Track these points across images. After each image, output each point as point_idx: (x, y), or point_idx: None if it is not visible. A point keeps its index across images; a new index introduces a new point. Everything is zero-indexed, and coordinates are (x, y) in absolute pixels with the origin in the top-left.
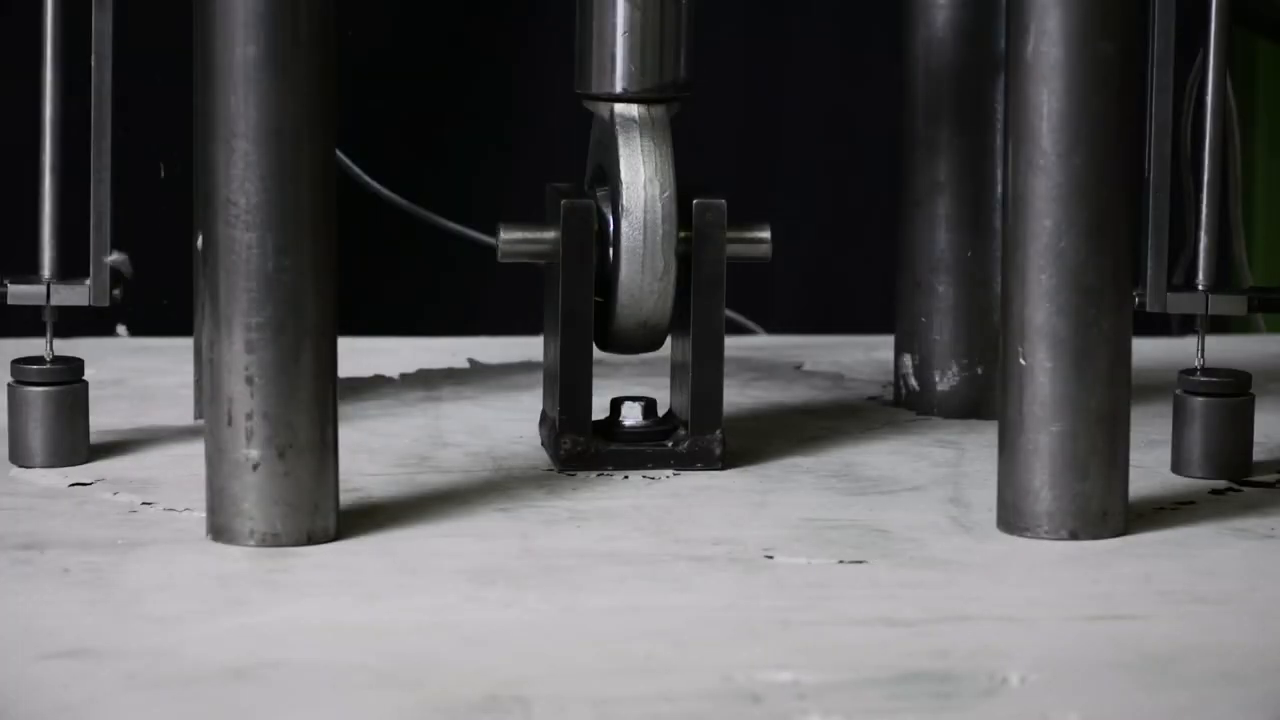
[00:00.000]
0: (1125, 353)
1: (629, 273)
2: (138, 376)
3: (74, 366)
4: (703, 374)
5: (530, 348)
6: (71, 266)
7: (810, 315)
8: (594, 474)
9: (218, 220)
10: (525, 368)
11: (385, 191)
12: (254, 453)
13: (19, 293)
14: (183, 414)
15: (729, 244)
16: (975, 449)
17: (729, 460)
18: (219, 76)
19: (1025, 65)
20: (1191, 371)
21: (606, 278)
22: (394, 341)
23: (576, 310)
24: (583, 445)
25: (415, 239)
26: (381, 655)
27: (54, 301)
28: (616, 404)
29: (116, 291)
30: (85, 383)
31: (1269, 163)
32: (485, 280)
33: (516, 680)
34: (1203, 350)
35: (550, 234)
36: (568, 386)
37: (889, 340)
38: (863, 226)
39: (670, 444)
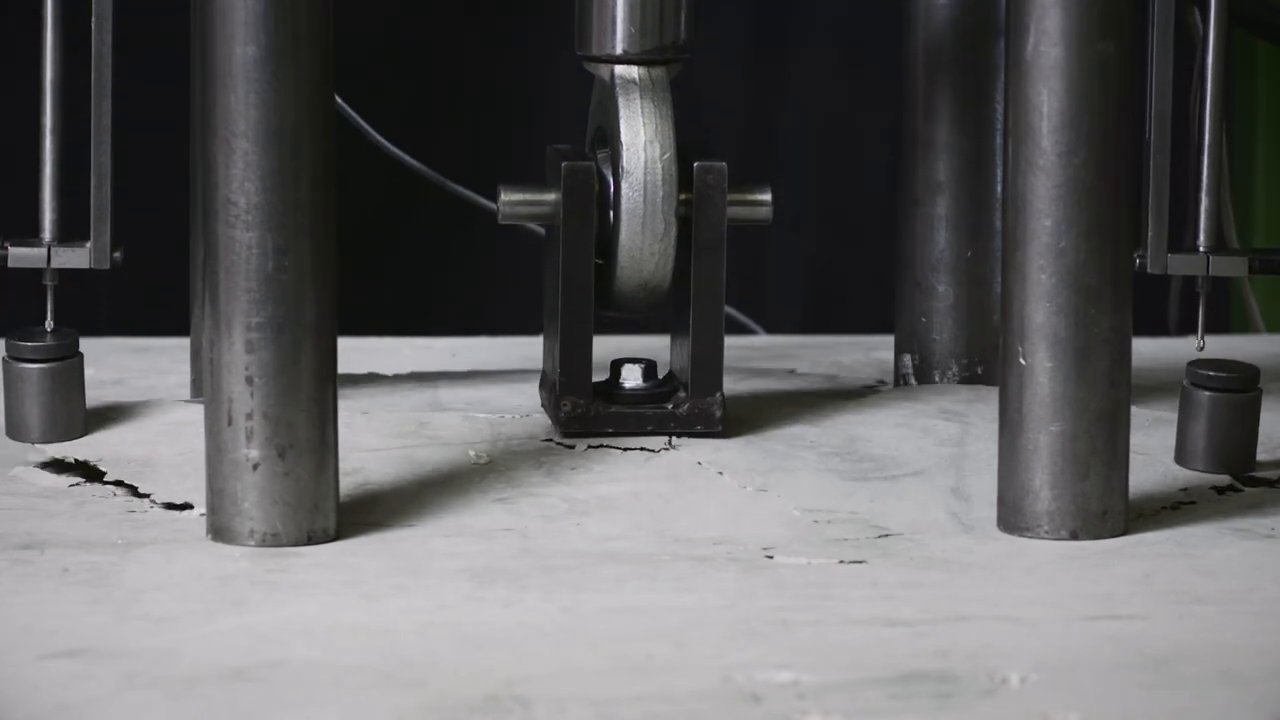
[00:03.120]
0: (1125, 353)
1: (629, 234)
2: (138, 376)
3: (69, 341)
4: (703, 336)
5: (530, 348)
6: (71, 228)
7: (809, 315)
8: (592, 447)
9: (218, 220)
10: (525, 369)
11: (389, 146)
12: (254, 453)
13: (20, 255)
14: None
15: (729, 206)
16: (981, 423)
17: (730, 428)
18: (219, 76)
19: (1025, 65)
20: (1199, 363)
21: (607, 240)
22: (393, 341)
23: (577, 272)
24: (583, 407)
25: (415, 239)
26: (381, 655)
27: (55, 264)
28: (617, 366)
29: (117, 254)
30: (80, 355)
31: (1269, 163)
32: (485, 280)
33: (516, 680)
34: (1203, 330)
35: (551, 196)
36: (568, 349)
37: (889, 340)
38: (863, 226)
39: (670, 406)
